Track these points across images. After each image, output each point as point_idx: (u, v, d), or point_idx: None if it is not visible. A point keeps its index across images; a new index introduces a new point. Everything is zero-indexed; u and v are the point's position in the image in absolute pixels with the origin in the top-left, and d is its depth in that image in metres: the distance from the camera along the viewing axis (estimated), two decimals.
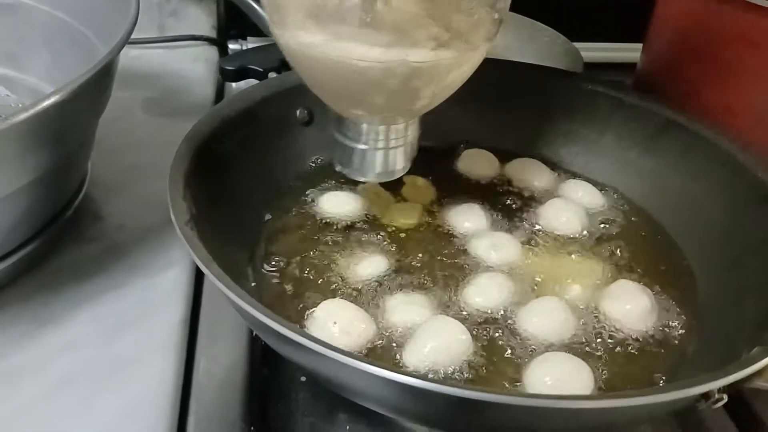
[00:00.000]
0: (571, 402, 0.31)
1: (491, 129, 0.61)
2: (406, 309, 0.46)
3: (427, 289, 0.48)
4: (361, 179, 0.49)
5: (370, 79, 0.40)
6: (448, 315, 0.45)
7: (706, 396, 0.34)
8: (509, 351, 0.44)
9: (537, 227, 0.54)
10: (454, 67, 0.41)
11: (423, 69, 0.39)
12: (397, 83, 0.40)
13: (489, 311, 0.46)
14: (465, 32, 0.40)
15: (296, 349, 0.34)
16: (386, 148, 0.46)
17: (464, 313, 0.46)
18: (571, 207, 0.54)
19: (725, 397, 0.34)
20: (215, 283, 0.36)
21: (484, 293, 0.47)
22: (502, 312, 0.46)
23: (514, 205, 0.57)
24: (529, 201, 0.57)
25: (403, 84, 0.40)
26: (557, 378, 0.40)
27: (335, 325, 0.43)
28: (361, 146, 0.46)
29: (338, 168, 0.49)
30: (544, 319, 0.45)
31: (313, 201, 0.55)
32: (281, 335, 0.34)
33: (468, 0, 0.39)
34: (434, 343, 0.42)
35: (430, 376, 0.41)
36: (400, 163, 0.48)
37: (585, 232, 0.54)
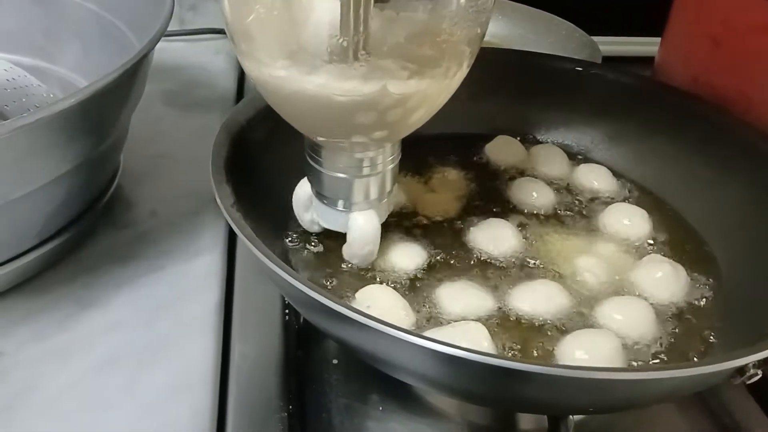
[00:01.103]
0: (606, 373, 0.32)
1: (516, 118, 0.62)
2: (463, 300, 0.46)
3: (471, 280, 0.48)
4: (343, 209, 0.46)
5: (348, 110, 0.39)
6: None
7: (741, 371, 0.35)
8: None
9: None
10: (434, 92, 0.40)
11: (402, 98, 0.39)
12: (376, 113, 0.39)
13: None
14: (438, 62, 0.39)
15: (341, 322, 0.35)
16: (367, 176, 0.45)
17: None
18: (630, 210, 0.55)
19: (760, 372, 0.36)
20: (266, 263, 0.37)
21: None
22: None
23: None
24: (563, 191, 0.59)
25: (382, 113, 0.39)
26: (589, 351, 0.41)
27: (369, 309, 0.44)
28: (339, 174, 0.44)
29: (317, 199, 0.47)
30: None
31: None
32: (331, 310, 0.35)
33: (436, 37, 0.38)
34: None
35: None
36: (382, 188, 0.46)
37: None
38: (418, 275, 0.49)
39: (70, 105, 0.41)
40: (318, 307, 0.36)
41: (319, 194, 0.46)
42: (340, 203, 0.46)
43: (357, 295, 0.46)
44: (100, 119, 0.47)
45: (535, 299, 0.46)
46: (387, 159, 0.45)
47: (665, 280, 0.48)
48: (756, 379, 0.35)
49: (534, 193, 0.56)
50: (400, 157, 0.46)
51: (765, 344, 0.34)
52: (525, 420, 0.46)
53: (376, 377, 0.45)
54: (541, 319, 0.46)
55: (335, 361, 0.48)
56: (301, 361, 0.48)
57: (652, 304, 0.47)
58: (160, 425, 0.42)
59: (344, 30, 0.36)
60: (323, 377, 0.47)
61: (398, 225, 0.53)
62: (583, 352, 0.41)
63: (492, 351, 0.41)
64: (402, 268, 0.49)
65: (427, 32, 0.38)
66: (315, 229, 0.50)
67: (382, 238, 0.48)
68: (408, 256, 0.49)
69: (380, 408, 0.46)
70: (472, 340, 0.41)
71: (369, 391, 0.47)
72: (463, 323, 0.43)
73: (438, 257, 0.51)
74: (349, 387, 0.47)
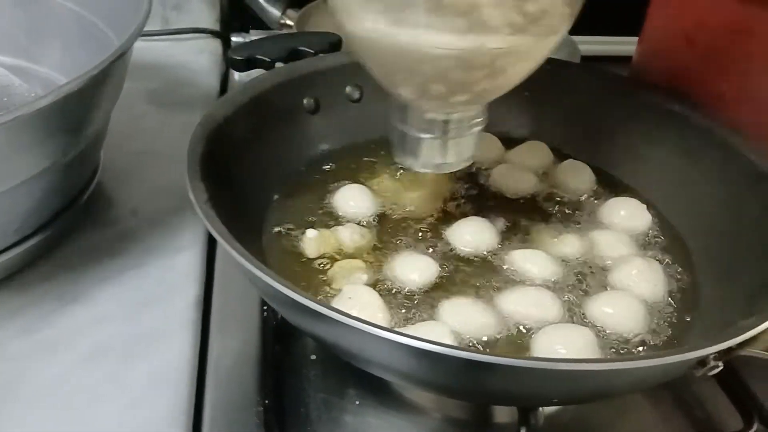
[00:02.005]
0: (569, 365, 0.33)
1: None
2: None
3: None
4: (421, 170, 0.47)
5: (442, 67, 0.38)
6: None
7: (702, 363, 0.36)
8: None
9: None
10: (530, 52, 0.40)
11: (500, 55, 0.38)
12: (470, 70, 0.38)
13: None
14: (541, 17, 0.38)
15: (312, 317, 0.36)
16: (451, 138, 0.45)
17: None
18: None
19: (720, 364, 0.36)
20: (237, 258, 0.37)
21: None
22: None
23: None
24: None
25: (476, 70, 0.39)
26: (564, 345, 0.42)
27: (351, 301, 0.44)
28: (425, 136, 0.45)
29: (398, 159, 0.48)
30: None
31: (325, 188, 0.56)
32: (299, 305, 0.35)
33: None
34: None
35: None
36: (466, 152, 0.47)
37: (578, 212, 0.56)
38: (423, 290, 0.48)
39: (47, 103, 0.41)
40: (284, 300, 0.36)
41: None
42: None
43: (345, 288, 0.46)
44: (78, 117, 0.47)
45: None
46: None
47: (641, 276, 0.48)
48: (717, 370, 0.36)
49: (515, 180, 0.57)
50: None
51: (722, 337, 0.34)
52: (500, 414, 0.47)
53: (353, 372, 0.46)
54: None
55: (313, 357, 0.49)
56: (279, 356, 0.48)
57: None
58: (141, 417, 0.43)
59: None
60: (301, 372, 0.48)
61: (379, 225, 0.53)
62: (560, 347, 0.41)
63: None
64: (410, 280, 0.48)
65: None
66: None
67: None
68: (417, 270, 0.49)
69: (357, 402, 0.46)
70: (436, 336, 0.41)
71: (346, 385, 0.47)
72: (431, 322, 0.44)
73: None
74: (327, 382, 0.47)
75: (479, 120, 0.46)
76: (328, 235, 0.51)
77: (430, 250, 0.51)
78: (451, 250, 0.51)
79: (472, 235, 0.51)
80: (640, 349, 0.44)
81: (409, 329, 0.43)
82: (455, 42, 0.37)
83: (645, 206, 0.55)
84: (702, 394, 0.49)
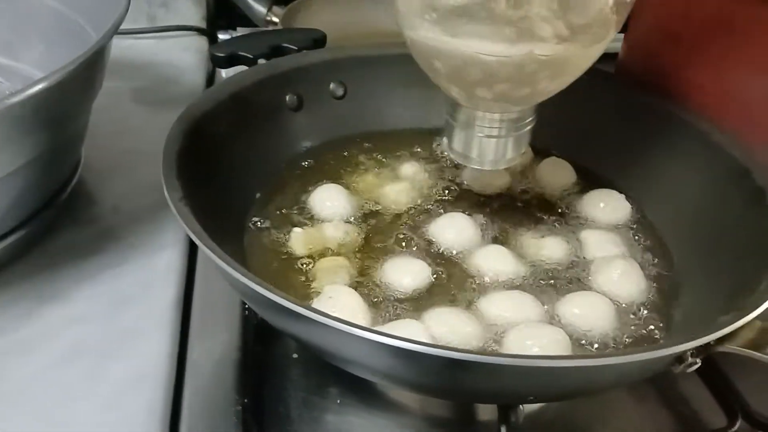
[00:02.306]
0: (545, 361, 0.32)
1: None
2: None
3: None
4: (475, 166, 0.49)
5: (494, 71, 0.40)
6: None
7: (679, 359, 0.35)
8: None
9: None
10: (578, 59, 0.42)
11: (548, 61, 0.40)
12: (519, 74, 0.40)
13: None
14: (588, 27, 0.40)
15: (285, 315, 0.36)
16: (501, 137, 0.47)
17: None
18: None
19: (698, 361, 0.36)
20: (209, 255, 0.37)
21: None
22: None
23: None
24: None
25: (525, 75, 0.41)
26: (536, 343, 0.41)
27: (331, 300, 0.44)
28: (479, 133, 0.47)
29: (452, 155, 0.50)
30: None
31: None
32: (272, 302, 0.35)
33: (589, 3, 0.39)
34: None
35: None
36: (511, 152, 0.48)
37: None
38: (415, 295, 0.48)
39: (18, 100, 0.41)
40: (258, 298, 0.36)
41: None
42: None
43: (325, 287, 0.46)
44: (55, 113, 0.47)
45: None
46: None
47: (622, 278, 0.48)
48: (695, 367, 0.35)
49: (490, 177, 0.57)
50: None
51: (698, 334, 0.34)
52: (482, 412, 0.46)
53: (335, 372, 0.45)
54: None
55: (295, 356, 0.49)
56: (260, 355, 0.48)
57: (611, 299, 0.47)
58: (117, 417, 0.42)
59: None
60: (282, 372, 0.48)
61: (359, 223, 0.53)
62: (532, 344, 0.41)
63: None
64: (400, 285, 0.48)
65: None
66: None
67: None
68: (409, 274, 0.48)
69: (338, 401, 0.46)
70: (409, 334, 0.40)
71: (328, 385, 0.47)
72: (408, 320, 0.43)
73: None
74: (308, 381, 0.47)
75: (530, 119, 0.47)
76: (314, 232, 0.51)
77: (415, 248, 0.51)
78: (434, 248, 0.51)
79: (453, 232, 0.51)
80: (613, 347, 0.44)
81: (386, 327, 0.42)
82: (505, 50, 0.39)
83: (624, 196, 0.55)
84: (687, 391, 0.48)
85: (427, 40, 0.41)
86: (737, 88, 0.53)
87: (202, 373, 0.46)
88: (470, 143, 0.48)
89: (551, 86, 0.43)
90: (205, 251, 0.38)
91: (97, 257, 0.52)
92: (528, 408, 0.44)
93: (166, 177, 0.42)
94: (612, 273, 0.48)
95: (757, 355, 0.35)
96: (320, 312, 0.34)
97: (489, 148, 0.47)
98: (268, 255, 0.50)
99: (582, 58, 0.42)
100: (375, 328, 0.34)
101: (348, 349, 0.37)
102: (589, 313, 0.45)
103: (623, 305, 0.47)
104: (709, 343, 0.35)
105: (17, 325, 0.47)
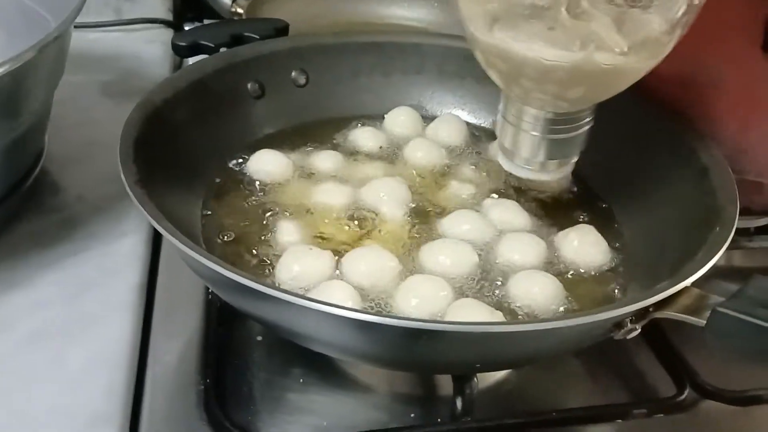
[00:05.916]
0: (485, 327, 0.33)
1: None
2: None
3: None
4: (523, 166, 0.48)
5: (552, 74, 0.41)
6: None
7: (618, 325, 0.37)
8: None
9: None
10: (635, 69, 0.42)
11: (606, 70, 0.41)
12: (577, 79, 0.41)
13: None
14: (643, 47, 0.41)
15: (240, 292, 0.37)
16: (555, 136, 0.46)
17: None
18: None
19: (638, 327, 0.37)
20: (162, 232, 0.38)
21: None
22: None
23: None
24: None
25: (581, 79, 0.41)
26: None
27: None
28: (533, 133, 0.46)
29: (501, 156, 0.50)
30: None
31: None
32: (228, 279, 0.36)
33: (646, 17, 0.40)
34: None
35: None
36: (571, 151, 0.48)
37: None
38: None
39: None
40: (207, 274, 0.37)
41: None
42: None
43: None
44: (12, 102, 0.47)
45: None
46: None
47: (586, 247, 0.49)
48: (635, 334, 0.37)
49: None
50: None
51: (630, 300, 0.35)
52: (441, 387, 0.47)
53: (298, 352, 0.46)
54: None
55: (259, 338, 0.49)
56: (223, 338, 0.49)
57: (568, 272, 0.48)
58: (79, 399, 0.43)
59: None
60: (246, 353, 0.48)
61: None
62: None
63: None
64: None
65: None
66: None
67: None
68: None
69: (301, 380, 0.47)
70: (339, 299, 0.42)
71: (291, 365, 0.48)
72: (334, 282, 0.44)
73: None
74: (272, 362, 0.48)
75: (587, 120, 0.47)
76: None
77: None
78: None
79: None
80: None
81: (312, 292, 0.43)
82: (567, 56, 0.40)
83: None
84: (638, 363, 0.50)
85: (489, 40, 0.42)
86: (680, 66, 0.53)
87: (165, 356, 0.47)
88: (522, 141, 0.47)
89: (606, 91, 0.44)
90: (159, 229, 0.38)
91: (61, 244, 0.53)
92: (483, 382, 0.46)
93: (123, 161, 0.43)
94: (573, 242, 0.49)
95: (692, 319, 0.36)
96: (258, 281, 0.35)
97: (544, 148, 0.47)
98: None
99: (639, 69, 0.42)
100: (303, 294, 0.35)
101: (285, 315, 0.38)
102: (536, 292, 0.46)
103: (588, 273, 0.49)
104: (648, 309, 0.36)
105: None
